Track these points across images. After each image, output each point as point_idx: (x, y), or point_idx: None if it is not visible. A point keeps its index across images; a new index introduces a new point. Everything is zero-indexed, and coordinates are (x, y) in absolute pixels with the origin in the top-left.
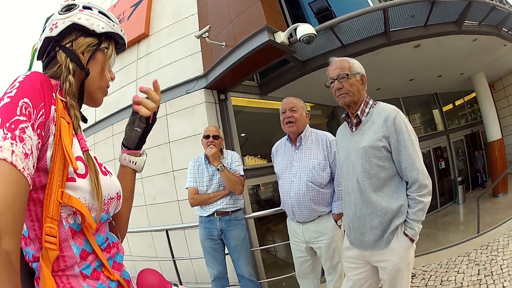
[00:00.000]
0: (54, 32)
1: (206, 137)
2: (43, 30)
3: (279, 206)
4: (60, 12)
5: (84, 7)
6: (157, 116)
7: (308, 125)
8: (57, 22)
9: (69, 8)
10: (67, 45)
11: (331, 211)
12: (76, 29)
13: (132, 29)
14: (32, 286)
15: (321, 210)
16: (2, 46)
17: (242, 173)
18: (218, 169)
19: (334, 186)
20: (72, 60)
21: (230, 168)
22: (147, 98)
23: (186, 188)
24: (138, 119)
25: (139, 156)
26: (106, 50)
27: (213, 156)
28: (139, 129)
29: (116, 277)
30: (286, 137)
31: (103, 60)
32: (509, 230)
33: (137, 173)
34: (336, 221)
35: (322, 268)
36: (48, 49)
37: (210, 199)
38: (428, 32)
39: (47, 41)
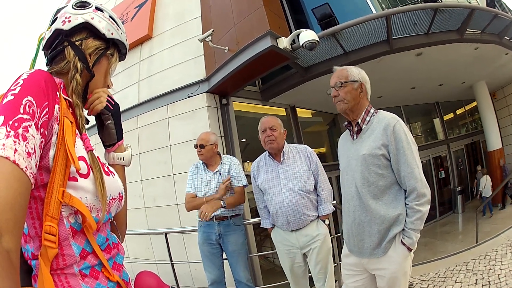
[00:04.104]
0: (67, 26)
1: (195, 146)
2: (54, 21)
3: None
4: (74, 7)
5: (97, 8)
6: (158, 119)
7: (285, 141)
8: (70, 16)
9: (83, 4)
10: (77, 43)
11: (318, 216)
12: (87, 29)
13: (135, 31)
14: (30, 284)
15: (312, 215)
16: (2, 46)
17: (243, 183)
18: (223, 207)
19: (318, 192)
20: (80, 60)
21: (232, 176)
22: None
23: None
24: (102, 117)
25: (125, 151)
26: (111, 56)
27: (213, 209)
28: (109, 121)
29: (115, 278)
30: (264, 154)
31: (107, 66)
32: (508, 240)
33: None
34: (323, 221)
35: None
36: (57, 42)
37: (204, 203)
38: (430, 40)
39: (57, 33)
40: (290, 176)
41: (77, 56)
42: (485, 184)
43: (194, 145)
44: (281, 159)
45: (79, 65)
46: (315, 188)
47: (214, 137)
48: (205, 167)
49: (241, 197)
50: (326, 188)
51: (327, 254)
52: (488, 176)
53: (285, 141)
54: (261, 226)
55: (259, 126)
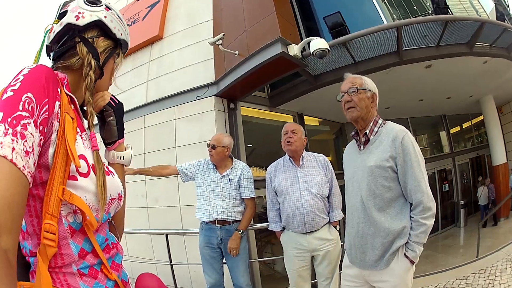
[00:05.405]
0: (81, 22)
1: (207, 145)
2: (63, 14)
3: None
4: (86, 3)
5: (106, 6)
6: (165, 120)
7: (304, 149)
8: (84, 12)
9: (94, 1)
10: (89, 40)
11: (329, 221)
12: (98, 27)
13: (146, 30)
14: (27, 279)
15: (325, 218)
16: (2, 46)
17: (252, 195)
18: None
19: (330, 199)
20: (94, 57)
21: (241, 186)
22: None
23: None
24: (104, 113)
25: (125, 150)
26: (117, 56)
27: (237, 243)
28: (111, 117)
29: (114, 277)
30: (284, 158)
31: (112, 65)
32: (508, 255)
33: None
34: (335, 227)
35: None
36: (67, 37)
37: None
38: (440, 53)
39: (69, 27)
40: (309, 180)
41: (90, 53)
42: (481, 193)
43: (207, 144)
44: (300, 163)
45: (93, 62)
46: (329, 195)
47: (228, 139)
48: (215, 167)
49: (253, 211)
50: (337, 196)
51: (338, 257)
52: (485, 186)
53: (304, 149)
54: (269, 228)
55: (283, 130)
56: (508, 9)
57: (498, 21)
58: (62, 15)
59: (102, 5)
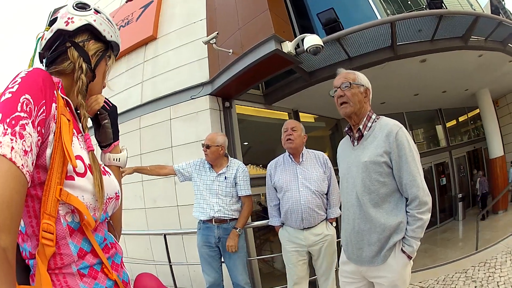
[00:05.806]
0: (70, 27)
1: (202, 145)
2: (53, 20)
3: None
4: (75, 8)
5: (95, 10)
6: (160, 120)
7: (304, 146)
8: (73, 17)
9: (83, 6)
10: (80, 44)
11: (326, 218)
12: (88, 30)
13: (140, 31)
14: (28, 283)
15: (322, 214)
16: (2, 46)
17: (248, 192)
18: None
19: (328, 195)
20: (85, 61)
21: (237, 184)
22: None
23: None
24: (99, 117)
25: (120, 152)
26: (108, 58)
27: (235, 241)
28: (105, 120)
29: (113, 276)
30: (284, 155)
31: (104, 67)
32: (507, 247)
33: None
34: (331, 223)
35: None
36: (58, 42)
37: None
38: (434, 47)
39: (59, 33)
40: (308, 177)
41: (81, 57)
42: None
43: (201, 144)
44: (300, 160)
45: (84, 65)
46: (327, 191)
47: (222, 138)
48: (210, 166)
49: (250, 209)
50: (336, 193)
51: (334, 253)
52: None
53: (304, 146)
54: (269, 224)
55: (283, 127)
56: (503, 2)
57: (492, 14)
58: (52, 22)
59: (91, 9)
